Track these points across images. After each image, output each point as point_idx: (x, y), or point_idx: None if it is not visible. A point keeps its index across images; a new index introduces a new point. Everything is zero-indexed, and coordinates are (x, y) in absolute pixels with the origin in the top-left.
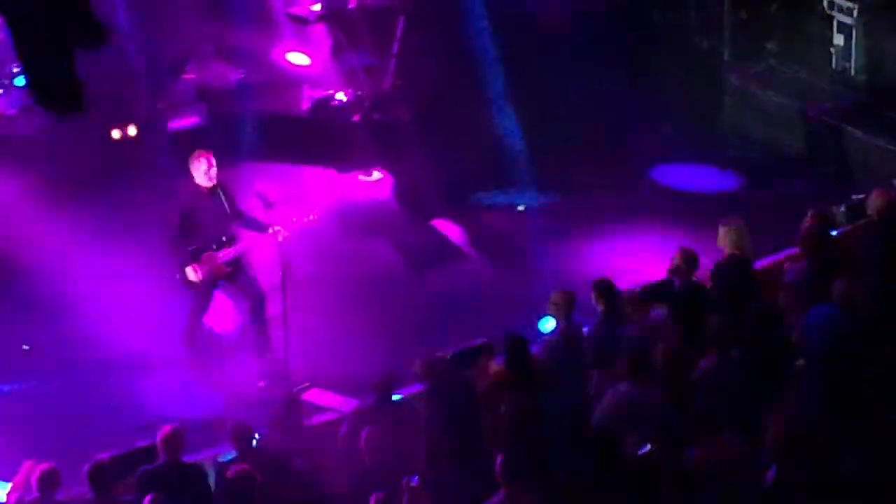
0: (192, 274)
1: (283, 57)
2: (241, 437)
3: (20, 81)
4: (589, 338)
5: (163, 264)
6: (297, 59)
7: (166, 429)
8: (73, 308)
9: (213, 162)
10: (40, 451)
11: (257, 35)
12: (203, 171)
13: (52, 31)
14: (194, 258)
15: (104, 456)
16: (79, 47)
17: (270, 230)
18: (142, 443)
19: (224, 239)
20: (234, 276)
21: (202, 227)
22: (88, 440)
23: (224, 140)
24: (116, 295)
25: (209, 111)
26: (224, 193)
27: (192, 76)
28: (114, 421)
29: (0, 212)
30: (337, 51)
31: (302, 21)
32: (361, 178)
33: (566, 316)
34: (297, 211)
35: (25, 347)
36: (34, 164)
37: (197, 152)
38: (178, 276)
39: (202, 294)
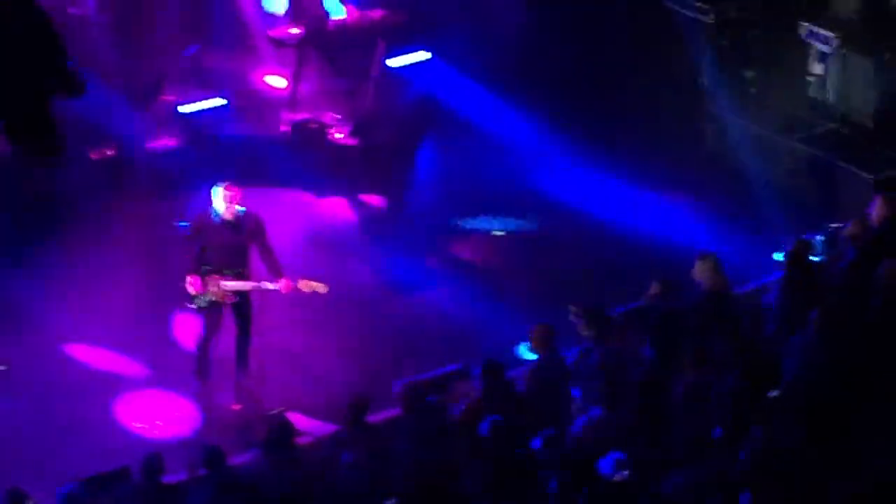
0: (189, 285)
1: (262, 79)
2: (213, 461)
3: None
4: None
5: (140, 284)
6: (276, 81)
7: (146, 453)
8: (49, 327)
9: (237, 198)
10: (12, 473)
11: (236, 57)
12: (222, 202)
13: (29, 82)
14: (199, 273)
15: (75, 480)
16: (55, 96)
17: (277, 284)
18: (114, 465)
19: (235, 270)
20: (237, 303)
21: (213, 251)
22: (62, 462)
23: (202, 162)
24: (93, 313)
25: (187, 133)
26: (247, 227)
27: (170, 98)
28: (86, 443)
29: None
30: (316, 74)
31: (281, 44)
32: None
33: (546, 348)
34: (307, 277)
35: (1, 367)
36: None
37: (225, 184)
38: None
39: (210, 319)
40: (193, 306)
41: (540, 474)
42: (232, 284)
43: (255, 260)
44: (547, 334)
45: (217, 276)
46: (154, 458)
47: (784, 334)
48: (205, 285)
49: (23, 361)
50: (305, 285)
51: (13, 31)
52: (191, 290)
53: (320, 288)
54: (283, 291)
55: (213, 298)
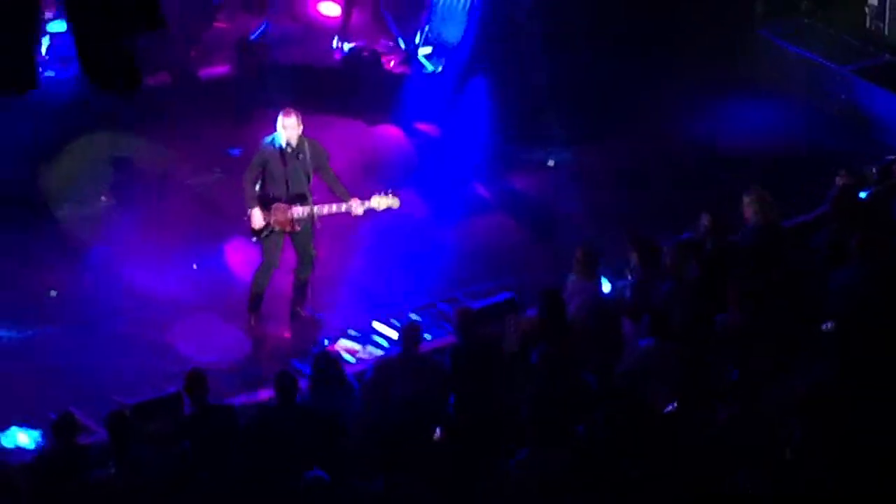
0: (256, 218)
1: (316, 7)
2: (195, 386)
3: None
4: (628, 291)
5: (197, 213)
6: (329, 9)
7: (191, 372)
8: (105, 255)
9: (296, 123)
10: (63, 398)
11: None
12: (283, 129)
13: (111, 18)
14: (263, 204)
15: (125, 403)
16: (137, 32)
17: (351, 204)
18: (168, 390)
19: (298, 196)
20: (297, 232)
21: (275, 180)
22: (113, 388)
23: (255, 90)
24: (148, 242)
25: (240, 61)
26: (309, 153)
27: (223, 25)
28: (142, 368)
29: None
30: (368, 2)
31: None
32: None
33: (591, 273)
34: (380, 191)
35: (53, 293)
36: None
37: (285, 110)
38: (245, 219)
39: (269, 248)
40: (254, 238)
41: (591, 404)
42: (300, 211)
43: (320, 187)
44: (590, 258)
45: (282, 205)
46: (199, 376)
47: (833, 268)
48: (269, 216)
49: (76, 288)
50: (377, 202)
51: None
52: (255, 223)
53: (394, 202)
54: (356, 212)
55: (277, 228)
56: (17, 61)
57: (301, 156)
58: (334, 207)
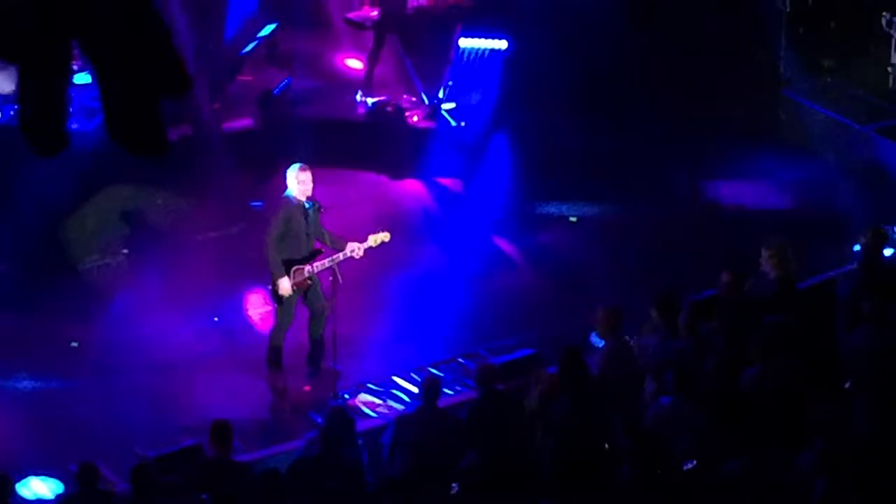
0: (285, 287)
1: (340, 62)
2: (220, 438)
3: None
4: (650, 352)
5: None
6: (352, 63)
7: (216, 422)
8: (128, 308)
9: (310, 178)
10: (83, 450)
11: (314, 40)
12: (300, 184)
13: (138, 80)
14: (286, 269)
15: (145, 455)
16: (164, 95)
17: (349, 249)
18: (187, 443)
19: (310, 254)
20: (309, 288)
21: (296, 237)
22: (135, 439)
23: (278, 143)
24: (169, 294)
25: (264, 114)
26: (319, 209)
27: (248, 78)
28: (160, 421)
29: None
30: (393, 56)
31: (359, 26)
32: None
33: (613, 333)
34: (373, 231)
35: (74, 344)
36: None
37: (299, 166)
38: (269, 287)
39: (287, 309)
40: (277, 303)
41: (611, 460)
42: (310, 268)
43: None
44: (613, 319)
45: (300, 267)
46: (224, 427)
47: (856, 327)
48: (293, 280)
49: (97, 340)
50: (373, 240)
51: (123, 27)
52: (284, 292)
53: (385, 237)
54: (357, 255)
55: (296, 289)
56: (49, 122)
57: (313, 211)
58: (340, 256)
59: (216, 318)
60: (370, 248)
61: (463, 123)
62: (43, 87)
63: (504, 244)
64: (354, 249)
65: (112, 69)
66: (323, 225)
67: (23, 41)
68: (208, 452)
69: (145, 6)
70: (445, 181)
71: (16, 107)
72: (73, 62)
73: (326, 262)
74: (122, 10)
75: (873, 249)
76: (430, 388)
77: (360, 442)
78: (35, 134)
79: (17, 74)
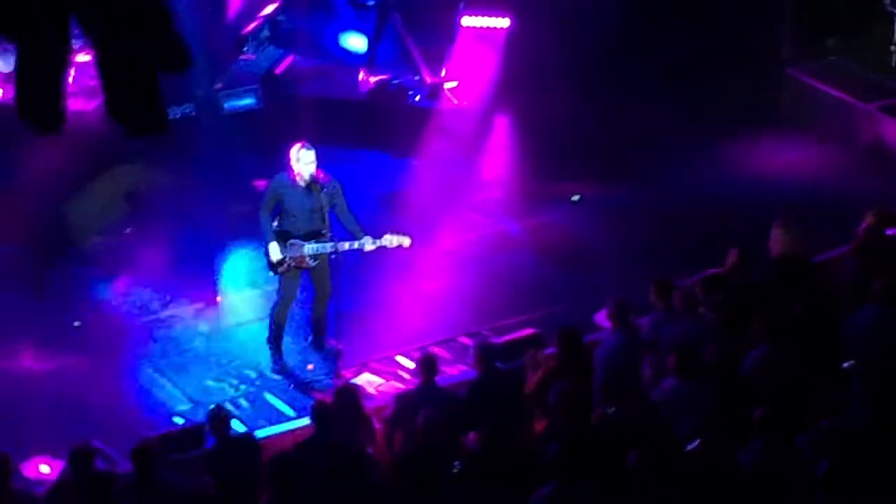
0: (273, 252)
1: (341, 40)
2: (219, 425)
3: None
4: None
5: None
6: (355, 42)
7: (214, 409)
8: (131, 288)
9: (314, 157)
10: (86, 429)
11: (316, 18)
12: (298, 162)
13: (138, 56)
14: (280, 238)
15: (148, 435)
16: (163, 71)
17: (363, 241)
18: (187, 424)
19: (314, 232)
20: (314, 268)
21: (292, 215)
22: (135, 420)
23: (280, 123)
24: (172, 274)
25: (265, 93)
26: (325, 189)
27: (249, 57)
28: (161, 400)
29: (58, 186)
30: (396, 35)
31: (360, 5)
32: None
33: (624, 324)
34: (394, 231)
35: (77, 324)
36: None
37: (298, 143)
38: (262, 252)
39: (286, 284)
40: (272, 273)
41: (612, 445)
42: (314, 248)
43: (335, 222)
44: (623, 310)
45: (298, 242)
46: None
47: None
48: (286, 251)
49: (99, 319)
50: (389, 240)
51: (123, 3)
52: (272, 256)
53: (405, 241)
54: (367, 250)
55: (294, 264)
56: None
57: (318, 191)
58: (346, 245)
59: (218, 298)
60: (384, 247)
61: (465, 102)
62: (41, 64)
63: (507, 223)
64: (365, 244)
65: (111, 47)
66: (348, 207)
67: (21, 18)
68: (209, 439)
69: None
70: (448, 160)
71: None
72: (73, 40)
73: (329, 247)
74: None
75: (877, 229)
76: (427, 365)
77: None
78: (32, 112)
79: (15, 52)
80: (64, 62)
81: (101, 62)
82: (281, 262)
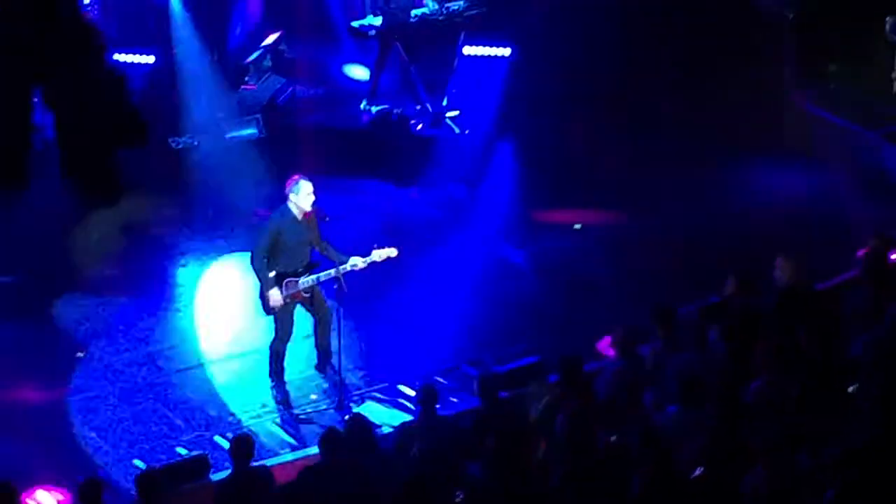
0: (276, 297)
1: (344, 70)
2: (240, 453)
3: None
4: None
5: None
6: (357, 72)
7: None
8: (131, 317)
9: (311, 189)
10: (89, 460)
11: (318, 48)
12: (299, 196)
13: (97, 133)
14: (278, 282)
15: (152, 465)
16: (121, 147)
17: (354, 261)
18: (192, 453)
19: (306, 265)
20: (308, 298)
21: (290, 250)
22: (139, 450)
23: (281, 152)
24: (173, 302)
25: (267, 122)
26: (316, 220)
27: (251, 87)
28: (164, 431)
29: (58, 220)
30: (398, 65)
31: (362, 35)
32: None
33: (628, 352)
34: (376, 246)
35: (80, 354)
36: None
37: (297, 176)
38: (260, 298)
39: (284, 320)
40: (267, 314)
41: (617, 471)
42: (310, 280)
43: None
44: (630, 338)
45: (292, 278)
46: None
47: (863, 331)
48: (286, 291)
49: (102, 350)
50: (377, 255)
51: (84, 87)
52: (274, 303)
53: (392, 252)
54: (360, 268)
55: (289, 301)
56: (11, 165)
57: (313, 223)
58: (341, 269)
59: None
60: (374, 262)
61: (467, 131)
62: (6, 132)
63: (509, 251)
64: (357, 264)
65: (70, 119)
66: (321, 236)
67: None
68: (230, 466)
69: (103, 61)
70: (450, 189)
71: None
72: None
73: (322, 276)
74: (81, 64)
75: (880, 255)
76: (428, 396)
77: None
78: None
79: None
80: (27, 130)
81: (59, 131)
82: (278, 306)
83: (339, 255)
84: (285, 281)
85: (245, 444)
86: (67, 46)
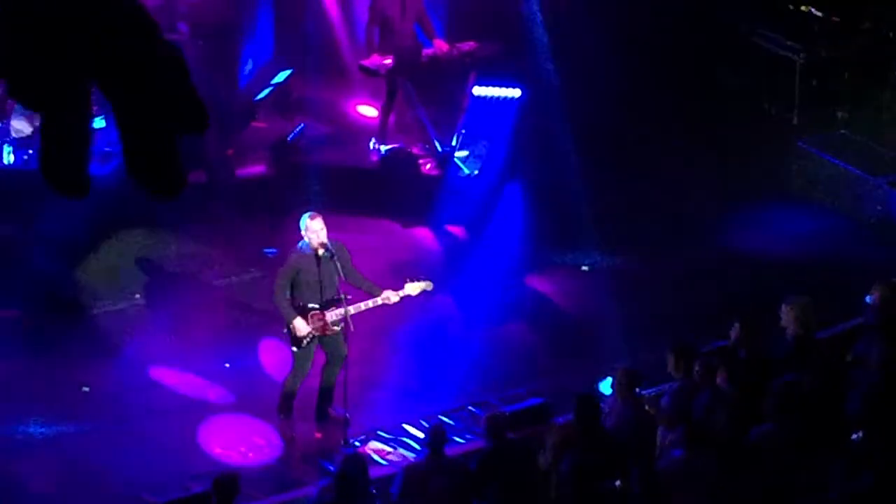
0: (301, 329)
1: (354, 109)
2: (226, 492)
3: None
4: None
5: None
6: (367, 111)
7: (222, 475)
8: (137, 351)
9: (323, 225)
10: (93, 496)
11: (328, 86)
12: (310, 232)
13: (157, 118)
14: (302, 313)
15: (155, 502)
16: (181, 133)
17: (386, 294)
18: (195, 490)
19: (332, 299)
20: (329, 336)
21: (309, 286)
22: (142, 486)
23: (291, 190)
24: (180, 340)
25: (277, 160)
26: (336, 255)
27: (261, 125)
28: (168, 467)
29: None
30: (407, 104)
31: (373, 74)
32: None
33: (629, 394)
34: (409, 278)
35: (85, 389)
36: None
37: (309, 214)
38: (284, 330)
39: (305, 355)
40: (295, 348)
41: None
42: (337, 314)
43: (345, 286)
44: (631, 381)
45: (318, 312)
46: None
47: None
48: (311, 324)
49: (107, 384)
50: (412, 288)
51: (143, 66)
52: (301, 333)
53: (428, 286)
54: (392, 301)
55: (317, 334)
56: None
57: (331, 258)
58: (370, 303)
59: (227, 365)
60: (408, 296)
61: (476, 171)
62: (66, 132)
63: (516, 292)
64: (389, 297)
65: (130, 110)
66: (357, 269)
67: (44, 87)
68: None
69: (160, 46)
70: (458, 229)
71: (31, 151)
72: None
73: (352, 309)
74: (138, 51)
75: (888, 303)
76: (436, 436)
77: (372, 490)
78: (58, 177)
79: (40, 120)
80: (87, 128)
81: (120, 125)
82: (305, 337)
83: (374, 287)
84: (309, 314)
85: (229, 484)
86: (119, 25)
